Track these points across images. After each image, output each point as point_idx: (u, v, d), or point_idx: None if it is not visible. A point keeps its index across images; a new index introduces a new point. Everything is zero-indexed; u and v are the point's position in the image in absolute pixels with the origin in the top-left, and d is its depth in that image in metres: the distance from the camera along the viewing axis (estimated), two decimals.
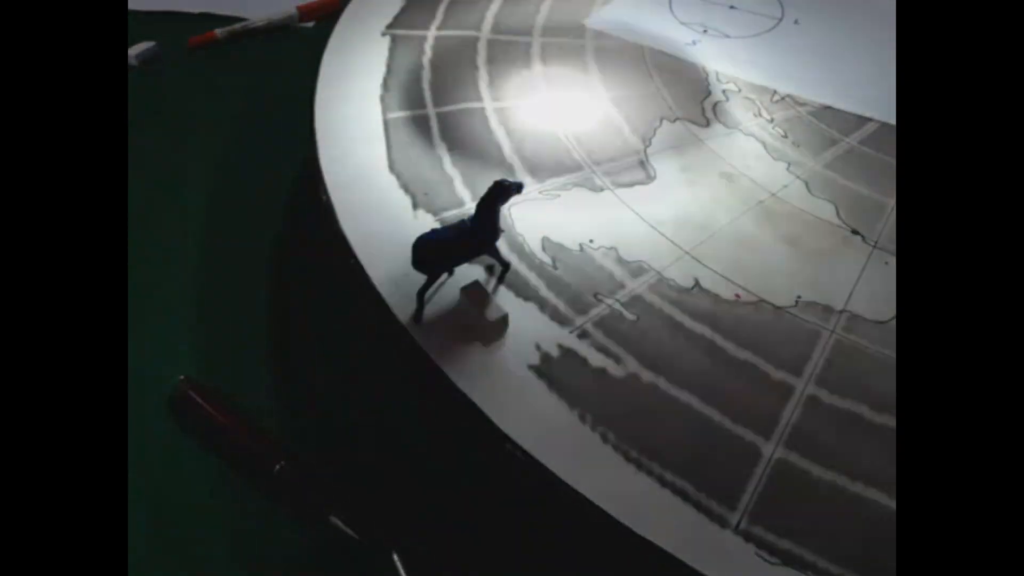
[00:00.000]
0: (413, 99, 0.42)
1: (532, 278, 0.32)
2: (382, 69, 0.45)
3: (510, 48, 0.48)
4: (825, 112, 0.45)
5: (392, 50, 0.46)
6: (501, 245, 0.31)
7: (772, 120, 0.44)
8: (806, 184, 0.39)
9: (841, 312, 0.32)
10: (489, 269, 0.32)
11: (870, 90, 0.47)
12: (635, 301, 0.32)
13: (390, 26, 0.49)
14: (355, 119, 0.40)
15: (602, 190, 0.38)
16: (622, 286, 0.32)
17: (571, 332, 0.30)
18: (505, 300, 0.31)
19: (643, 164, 0.40)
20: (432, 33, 0.49)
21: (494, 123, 0.41)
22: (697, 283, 0.33)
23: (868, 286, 0.34)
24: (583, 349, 0.30)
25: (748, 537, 0.25)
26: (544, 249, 0.34)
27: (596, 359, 0.29)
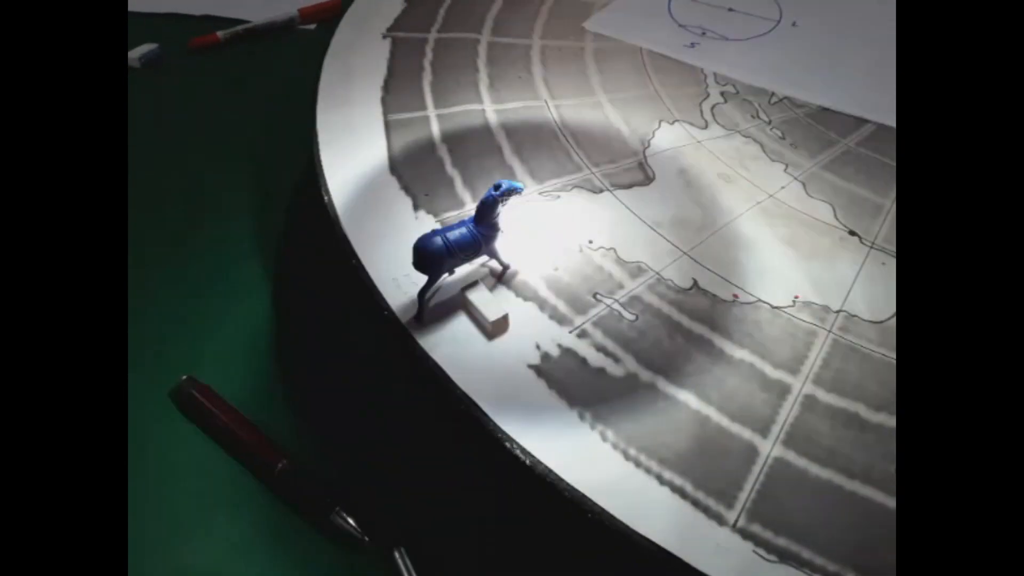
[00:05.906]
0: (414, 101, 0.43)
1: (532, 278, 0.33)
2: (383, 71, 0.45)
3: (510, 51, 0.48)
4: (823, 114, 0.46)
5: (393, 52, 0.47)
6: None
7: (770, 122, 0.44)
8: (804, 185, 0.40)
9: (838, 312, 0.33)
10: (489, 269, 0.33)
11: (868, 92, 0.47)
12: (634, 301, 0.32)
13: (391, 28, 0.49)
14: (356, 121, 0.41)
15: (601, 191, 0.38)
16: (621, 286, 0.33)
17: (570, 332, 0.30)
18: (505, 300, 0.31)
19: (642, 165, 0.40)
20: (433, 36, 0.49)
21: (494, 125, 0.42)
22: (695, 283, 0.33)
23: (865, 286, 0.34)
24: (582, 348, 0.30)
25: (746, 535, 0.25)
26: None
27: (595, 358, 0.30)
